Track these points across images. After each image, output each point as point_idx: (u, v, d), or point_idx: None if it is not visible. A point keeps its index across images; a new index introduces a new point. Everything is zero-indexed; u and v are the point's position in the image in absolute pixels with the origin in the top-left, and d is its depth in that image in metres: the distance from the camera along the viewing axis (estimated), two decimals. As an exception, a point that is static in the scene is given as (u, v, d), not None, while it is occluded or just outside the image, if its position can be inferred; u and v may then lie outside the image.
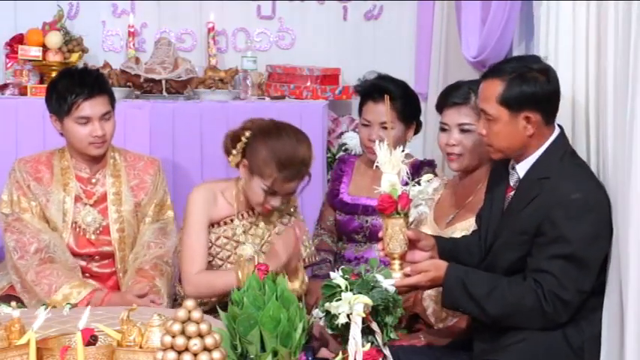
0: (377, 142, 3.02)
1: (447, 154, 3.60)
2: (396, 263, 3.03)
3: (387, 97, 3.13)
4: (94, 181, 3.89)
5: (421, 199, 3.18)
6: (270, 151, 3.56)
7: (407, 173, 2.98)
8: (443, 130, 3.57)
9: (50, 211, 3.82)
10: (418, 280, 3.04)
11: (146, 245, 3.86)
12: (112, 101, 3.87)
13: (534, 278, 2.97)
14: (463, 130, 3.52)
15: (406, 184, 3.09)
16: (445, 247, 3.21)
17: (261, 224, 3.78)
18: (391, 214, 2.97)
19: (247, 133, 3.64)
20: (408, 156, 3.00)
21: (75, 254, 3.84)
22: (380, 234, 3.04)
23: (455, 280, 3.03)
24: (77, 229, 3.85)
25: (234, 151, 3.66)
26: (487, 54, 4.04)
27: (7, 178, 3.89)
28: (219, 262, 3.75)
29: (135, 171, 3.93)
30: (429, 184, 3.03)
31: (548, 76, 3.05)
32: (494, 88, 3.05)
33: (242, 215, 3.76)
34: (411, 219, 3.06)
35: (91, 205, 3.86)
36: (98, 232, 3.86)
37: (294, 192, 3.69)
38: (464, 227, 3.46)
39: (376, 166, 2.99)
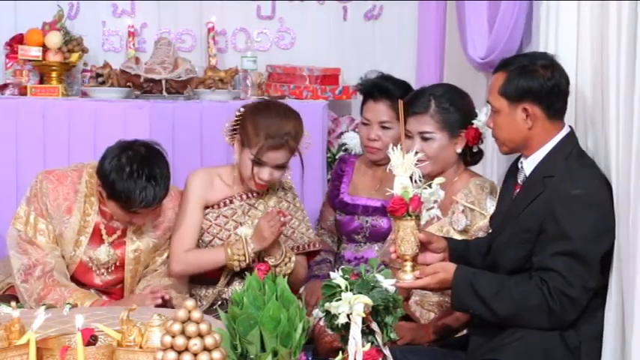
0: (391, 145, 3.05)
1: None
2: (408, 265, 3.04)
3: (400, 102, 3.15)
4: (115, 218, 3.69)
5: (433, 202, 3.20)
6: (258, 122, 3.71)
7: (419, 176, 3.00)
8: (407, 137, 3.61)
9: (63, 241, 3.66)
10: (427, 282, 3.06)
11: (157, 275, 3.77)
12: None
13: (540, 276, 2.98)
14: (424, 138, 3.58)
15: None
16: (457, 249, 3.23)
17: (260, 207, 3.84)
18: (402, 216, 2.99)
19: (241, 110, 3.79)
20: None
21: (80, 284, 3.69)
22: (391, 236, 3.06)
23: (463, 282, 3.04)
24: (89, 264, 3.70)
25: (227, 125, 3.79)
26: (496, 55, 4.03)
27: (27, 189, 3.71)
28: (219, 242, 3.81)
29: (161, 206, 3.72)
30: (440, 188, 3.05)
31: (552, 71, 3.08)
32: (498, 80, 3.13)
33: (241, 197, 3.83)
34: (422, 222, 3.07)
35: (109, 243, 3.70)
36: (111, 269, 3.72)
37: (283, 166, 3.73)
38: (434, 228, 3.51)
39: (389, 170, 3.01)
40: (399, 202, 2.97)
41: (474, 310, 3.07)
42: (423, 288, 3.16)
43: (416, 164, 2.98)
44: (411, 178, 2.98)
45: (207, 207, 3.84)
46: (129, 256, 3.73)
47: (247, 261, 3.70)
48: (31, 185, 3.71)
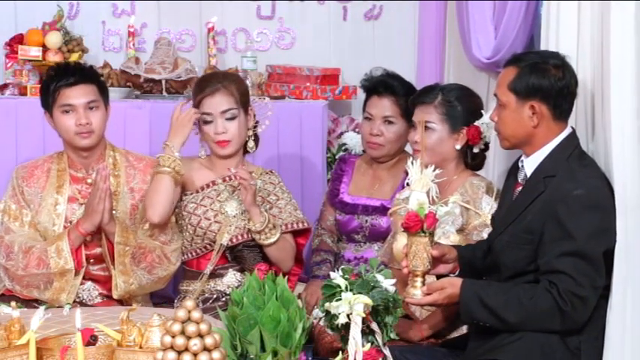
0: (409, 160, 3.06)
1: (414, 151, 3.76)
2: (418, 281, 3.04)
3: (423, 120, 3.15)
4: (89, 181, 3.84)
5: (447, 219, 3.21)
6: (196, 84, 4.02)
7: (436, 192, 3.00)
8: (413, 126, 3.70)
9: (41, 216, 3.82)
10: (435, 299, 3.06)
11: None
12: (102, 92, 3.86)
13: (549, 279, 2.96)
14: (426, 127, 3.58)
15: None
16: (465, 256, 3.23)
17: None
18: (416, 233, 2.98)
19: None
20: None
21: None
22: (403, 250, 3.05)
23: (471, 295, 3.03)
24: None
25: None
26: (502, 55, 4.03)
27: (7, 185, 3.92)
28: (206, 223, 3.87)
29: (135, 171, 3.92)
30: (456, 205, 3.05)
31: (563, 72, 3.08)
32: (508, 75, 3.12)
33: (224, 179, 3.91)
34: (436, 238, 3.07)
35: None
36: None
37: (232, 116, 3.83)
38: None
39: (407, 183, 3.02)
40: (414, 218, 2.95)
41: (484, 321, 3.04)
42: (431, 304, 3.16)
43: (415, 157, 2.97)
44: (427, 194, 2.98)
45: (190, 191, 3.91)
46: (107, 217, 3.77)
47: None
48: (10, 180, 3.92)
